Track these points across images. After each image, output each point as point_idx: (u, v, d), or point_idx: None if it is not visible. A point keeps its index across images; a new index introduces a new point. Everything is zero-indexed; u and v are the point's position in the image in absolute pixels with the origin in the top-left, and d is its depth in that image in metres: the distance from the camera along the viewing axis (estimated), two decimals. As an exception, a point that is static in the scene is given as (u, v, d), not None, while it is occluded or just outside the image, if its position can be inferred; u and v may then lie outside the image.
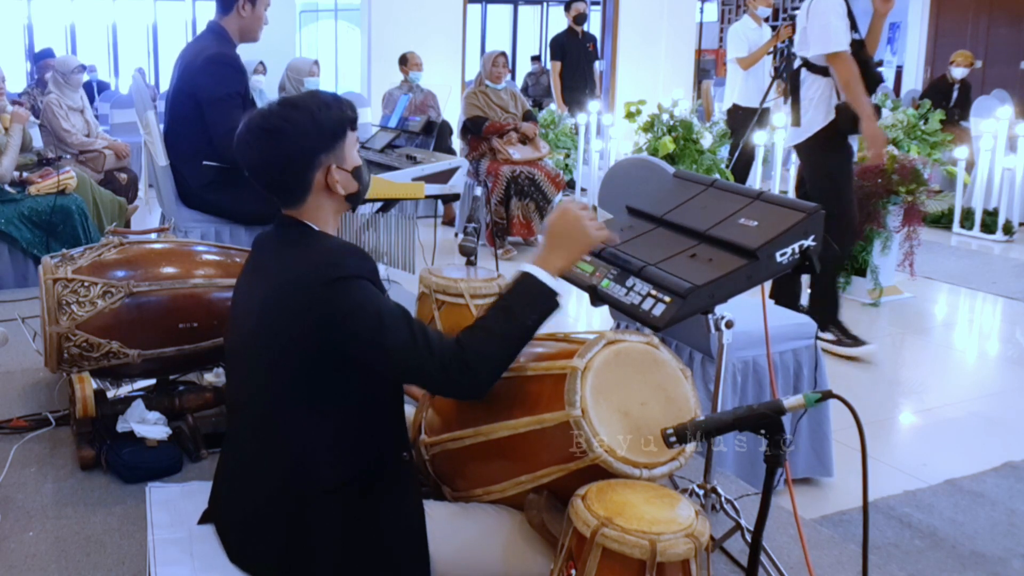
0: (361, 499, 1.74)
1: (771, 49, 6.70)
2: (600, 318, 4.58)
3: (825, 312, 4.06)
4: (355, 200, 1.84)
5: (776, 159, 6.94)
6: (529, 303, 1.72)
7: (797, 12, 6.81)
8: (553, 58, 8.27)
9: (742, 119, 6.60)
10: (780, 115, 6.93)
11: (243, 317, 1.84)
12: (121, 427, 2.60)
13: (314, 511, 1.72)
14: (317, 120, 1.74)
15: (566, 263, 1.78)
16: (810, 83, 3.88)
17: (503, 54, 6.19)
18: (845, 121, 3.75)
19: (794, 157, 7.10)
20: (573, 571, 1.53)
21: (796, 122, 3.93)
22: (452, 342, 1.69)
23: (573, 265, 1.84)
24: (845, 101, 3.74)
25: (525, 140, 6.02)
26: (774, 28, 6.83)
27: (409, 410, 2.13)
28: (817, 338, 3.85)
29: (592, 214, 1.81)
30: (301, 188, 1.77)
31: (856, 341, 4.11)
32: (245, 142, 1.76)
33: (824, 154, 3.90)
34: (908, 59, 12.21)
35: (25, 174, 4.78)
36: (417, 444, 1.98)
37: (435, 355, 1.67)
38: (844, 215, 3.90)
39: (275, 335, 1.72)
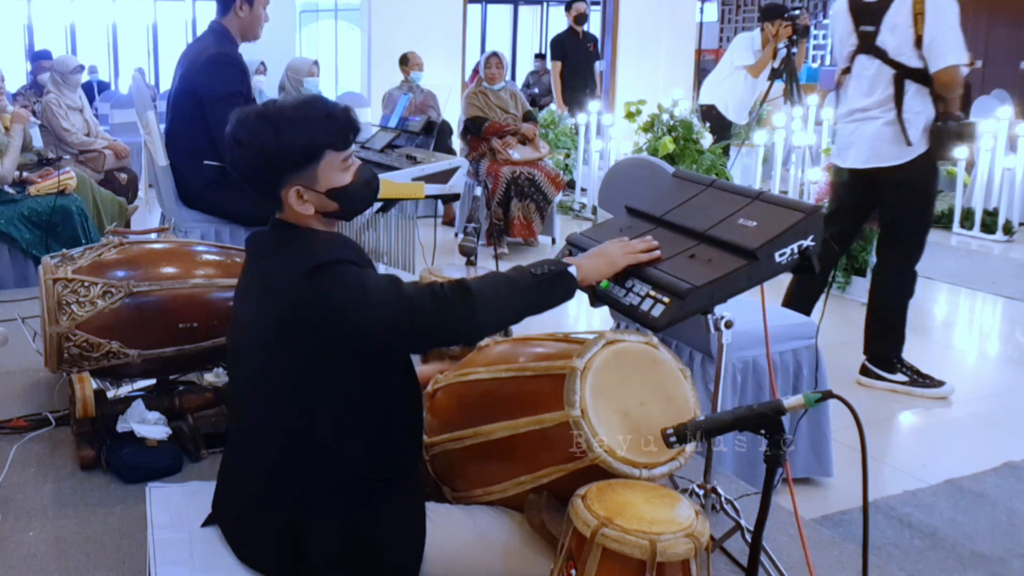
0: (363, 502, 1.74)
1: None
2: (600, 318, 4.58)
3: (889, 348, 3.77)
4: (339, 216, 1.80)
5: (776, 159, 6.94)
6: (540, 264, 1.80)
7: (797, 12, 6.81)
8: (554, 58, 8.28)
9: (717, 124, 6.59)
10: (780, 115, 6.94)
11: (241, 317, 1.84)
12: (121, 427, 2.60)
13: (315, 512, 1.72)
14: (280, 140, 1.67)
15: (585, 264, 1.86)
16: (922, 96, 3.47)
17: (495, 54, 6.18)
18: (944, 145, 3.50)
19: (795, 157, 7.13)
20: (573, 571, 1.53)
21: (908, 140, 3.47)
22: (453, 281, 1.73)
23: (596, 275, 1.91)
24: (944, 125, 3.43)
25: (525, 140, 6.03)
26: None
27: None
28: (880, 378, 3.77)
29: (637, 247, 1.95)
30: (273, 199, 1.75)
31: (933, 381, 3.74)
32: (226, 144, 1.75)
33: (934, 173, 3.61)
34: (908, 59, 12.19)
35: (25, 174, 4.79)
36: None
37: (424, 290, 1.68)
38: (925, 237, 3.72)
39: (271, 335, 1.72)
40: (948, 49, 3.36)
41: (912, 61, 3.42)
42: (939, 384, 3.74)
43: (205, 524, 1.88)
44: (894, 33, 3.43)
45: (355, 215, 1.88)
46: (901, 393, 3.74)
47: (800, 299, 3.72)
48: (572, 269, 1.81)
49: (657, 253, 1.98)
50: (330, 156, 1.72)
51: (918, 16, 3.35)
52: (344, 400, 1.73)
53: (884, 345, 3.79)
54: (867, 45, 3.53)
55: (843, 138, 3.74)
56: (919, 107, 3.46)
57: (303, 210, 1.73)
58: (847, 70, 3.68)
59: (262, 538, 1.76)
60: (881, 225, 3.80)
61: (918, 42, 3.38)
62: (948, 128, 3.43)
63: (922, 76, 3.43)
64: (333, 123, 1.71)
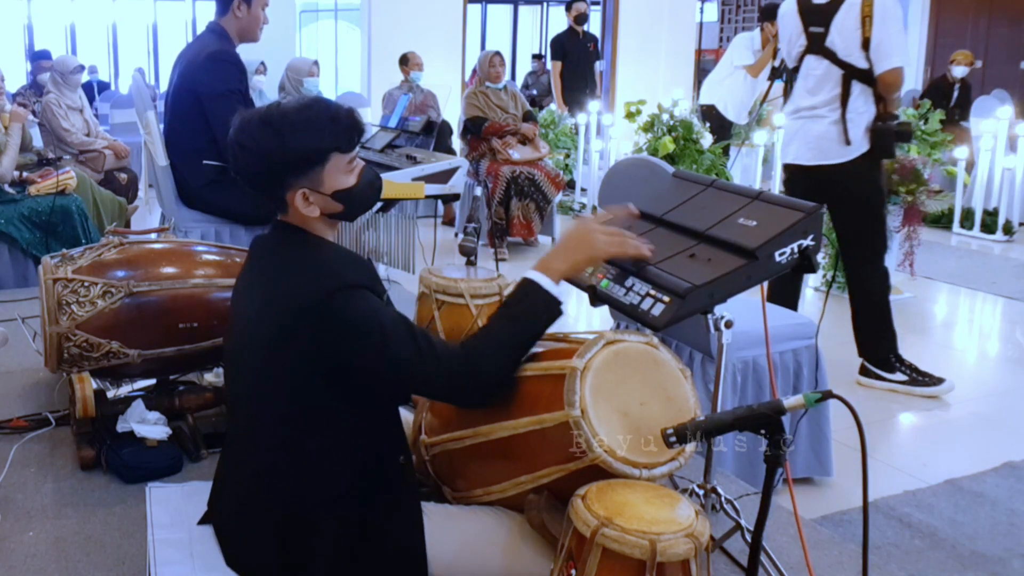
0: (357, 504, 1.74)
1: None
2: (600, 318, 4.58)
3: (883, 347, 3.77)
4: (343, 218, 1.80)
5: (776, 159, 6.94)
6: (532, 310, 1.74)
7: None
8: (554, 58, 8.28)
9: (716, 123, 6.61)
10: (780, 115, 6.94)
11: (241, 321, 1.83)
12: (121, 427, 2.60)
13: (310, 516, 1.72)
14: (286, 145, 1.67)
15: (567, 268, 1.80)
16: (866, 96, 3.52)
17: (498, 53, 6.21)
18: (887, 143, 3.57)
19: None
20: (573, 571, 1.53)
21: (848, 140, 3.52)
22: (457, 348, 1.70)
23: (575, 272, 1.86)
24: (885, 125, 3.51)
25: (525, 140, 6.03)
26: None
27: (408, 413, 2.13)
28: (879, 378, 3.77)
29: (609, 225, 1.85)
30: (277, 202, 1.75)
31: (933, 379, 3.75)
32: (229, 149, 1.75)
33: (876, 171, 3.66)
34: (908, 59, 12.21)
35: (25, 174, 4.79)
36: (417, 445, 1.98)
37: (441, 362, 1.66)
38: (884, 233, 3.77)
39: (272, 342, 1.71)
40: (893, 51, 3.45)
41: (860, 62, 3.50)
42: (939, 382, 3.75)
43: (201, 522, 1.88)
44: (842, 35, 3.50)
45: (359, 216, 1.89)
46: (901, 393, 3.74)
47: (781, 293, 3.73)
48: (563, 305, 1.77)
49: (646, 251, 1.92)
50: (335, 158, 1.72)
51: (866, 19, 3.44)
52: (340, 403, 1.73)
53: (877, 345, 3.80)
54: (817, 46, 3.60)
55: (788, 135, 3.82)
56: (862, 107, 3.53)
57: (308, 212, 1.73)
58: (795, 69, 3.74)
59: (257, 540, 1.76)
60: (837, 227, 3.83)
61: (865, 44, 3.46)
62: (889, 127, 3.52)
63: (868, 77, 3.51)
64: (337, 126, 1.71)
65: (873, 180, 3.65)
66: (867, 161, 3.58)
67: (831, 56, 3.54)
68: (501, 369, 1.72)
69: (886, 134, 3.52)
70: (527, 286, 1.76)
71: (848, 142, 3.54)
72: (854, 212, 3.68)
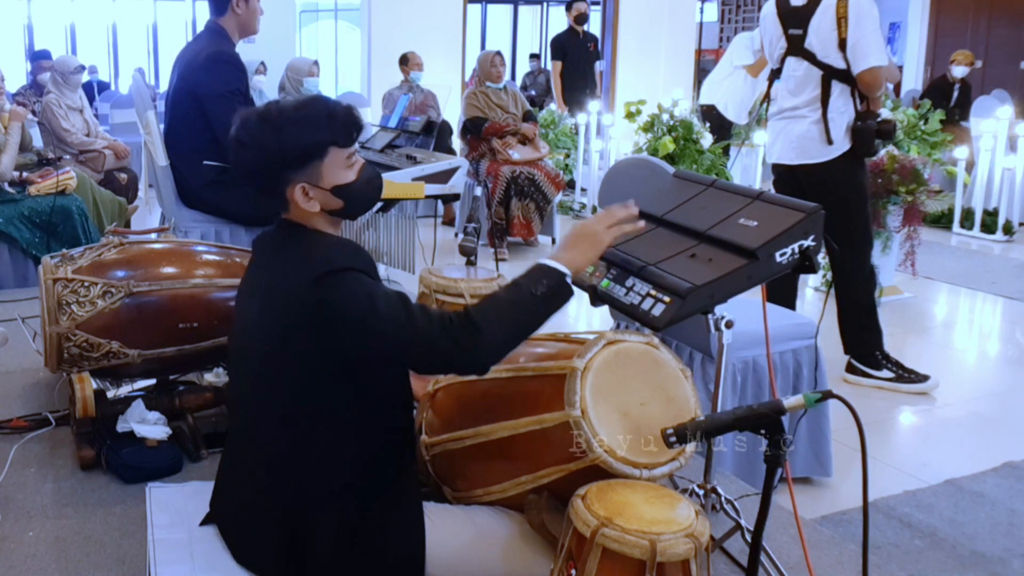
0: (358, 503, 1.74)
1: None
2: (600, 318, 4.58)
3: (869, 344, 3.79)
4: (344, 214, 1.79)
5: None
6: (537, 278, 1.70)
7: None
8: (554, 58, 8.28)
9: (716, 123, 6.63)
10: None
11: (244, 318, 1.84)
12: (121, 427, 2.60)
13: (310, 515, 1.72)
14: (282, 140, 1.68)
15: (573, 254, 1.76)
16: (846, 97, 3.54)
17: (498, 53, 6.21)
18: (869, 142, 3.57)
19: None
20: (573, 571, 1.53)
21: (830, 139, 3.53)
22: (458, 312, 1.67)
23: (582, 260, 1.80)
24: (865, 124, 3.52)
25: (525, 140, 6.03)
26: None
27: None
28: (866, 375, 3.78)
29: (616, 216, 1.81)
30: (278, 199, 1.76)
31: (918, 376, 3.78)
32: (229, 147, 1.75)
33: (859, 169, 3.67)
34: (908, 59, 12.20)
35: (25, 174, 4.79)
36: (417, 445, 1.98)
37: (435, 323, 1.62)
38: (868, 228, 3.79)
39: (273, 336, 1.72)
40: (870, 51, 3.46)
41: (838, 63, 3.51)
42: (924, 379, 3.78)
43: (203, 523, 1.88)
44: (819, 36, 3.52)
45: (360, 213, 1.89)
46: (887, 390, 3.76)
47: (778, 293, 3.71)
48: (568, 277, 1.73)
49: (641, 224, 1.88)
50: (334, 153, 1.73)
51: (841, 20, 3.46)
52: (342, 402, 1.73)
53: (863, 342, 3.82)
54: (796, 48, 3.61)
55: (772, 135, 3.83)
56: (843, 107, 3.55)
57: (309, 207, 1.74)
58: (777, 72, 3.75)
59: (259, 538, 1.76)
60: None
61: (842, 45, 3.48)
62: (869, 126, 3.53)
63: (847, 77, 3.52)
64: (334, 121, 1.72)
65: (856, 178, 3.67)
66: (849, 160, 3.59)
67: (810, 57, 3.56)
68: (502, 326, 1.65)
69: (867, 133, 3.54)
70: (535, 266, 1.73)
71: (830, 141, 3.56)
72: (837, 210, 3.69)
